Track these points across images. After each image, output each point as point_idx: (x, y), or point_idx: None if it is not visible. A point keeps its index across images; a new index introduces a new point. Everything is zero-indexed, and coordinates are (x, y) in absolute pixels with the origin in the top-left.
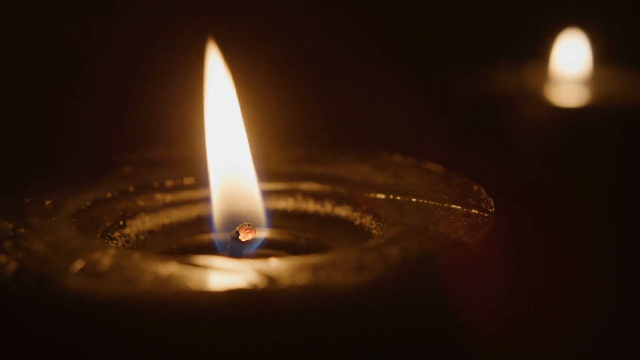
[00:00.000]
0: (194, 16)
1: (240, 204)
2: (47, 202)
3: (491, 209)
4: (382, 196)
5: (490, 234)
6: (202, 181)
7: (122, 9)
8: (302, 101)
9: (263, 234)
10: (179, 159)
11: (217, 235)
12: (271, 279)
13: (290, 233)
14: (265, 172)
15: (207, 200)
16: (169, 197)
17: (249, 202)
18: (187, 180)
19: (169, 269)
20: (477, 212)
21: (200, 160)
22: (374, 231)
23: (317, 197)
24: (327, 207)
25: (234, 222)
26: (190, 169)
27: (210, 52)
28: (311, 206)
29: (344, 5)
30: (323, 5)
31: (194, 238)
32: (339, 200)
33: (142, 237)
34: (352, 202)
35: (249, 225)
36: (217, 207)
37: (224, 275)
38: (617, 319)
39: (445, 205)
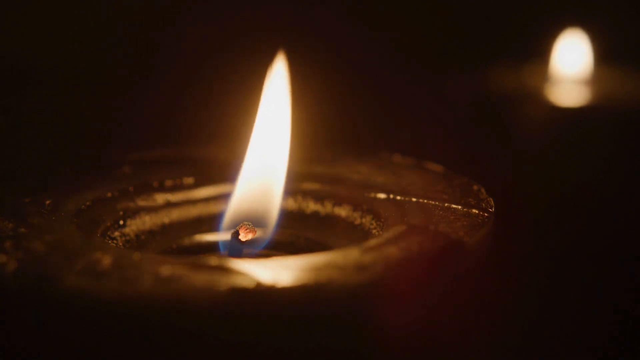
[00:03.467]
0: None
1: (260, 204)
2: (47, 202)
3: (491, 209)
4: (382, 196)
5: (490, 234)
6: (202, 181)
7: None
8: (302, 101)
9: (270, 235)
10: (179, 159)
11: (221, 235)
12: (271, 279)
13: (290, 233)
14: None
15: (209, 199)
16: (169, 197)
17: (269, 203)
18: (187, 180)
19: (169, 268)
20: (477, 212)
21: (209, 161)
22: (374, 231)
23: (317, 196)
24: (327, 207)
25: (248, 220)
26: (190, 169)
27: (277, 61)
28: (311, 206)
29: (343, 5)
30: (322, 6)
31: (194, 238)
32: (338, 200)
33: (142, 237)
34: (351, 202)
35: (249, 224)
36: (236, 205)
37: (224, 275)
38: (617, 319)
39: (445, 205)
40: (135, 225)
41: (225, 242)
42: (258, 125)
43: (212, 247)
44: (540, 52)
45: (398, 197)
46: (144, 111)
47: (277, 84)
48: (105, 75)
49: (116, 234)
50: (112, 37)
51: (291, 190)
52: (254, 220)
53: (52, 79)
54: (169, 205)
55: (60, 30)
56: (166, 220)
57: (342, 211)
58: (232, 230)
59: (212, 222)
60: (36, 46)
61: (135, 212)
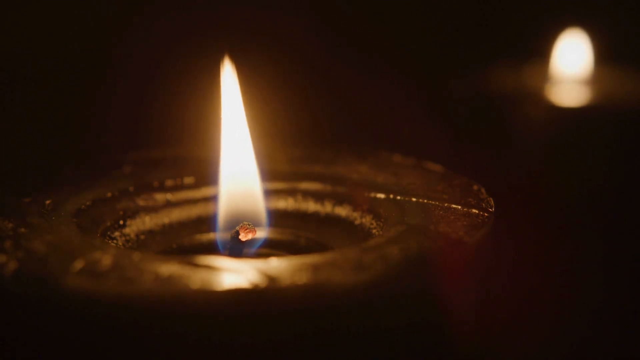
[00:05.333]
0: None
1: (245, 204)
2: (47, 202)
3: (491, 208)
4: (382, 196)
5: (490, 234)
6: (202, 181)
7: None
8: (302, 101)
9: (264, 234)
10: (179, 159)
11: (220, 235)
12: (271, 279)
13: (291, 233)
14: (266, 172)
15: (209, 199)
16: (169, 197)
17: (253, 202)
18: (187, 180)
19: (169, 268)
20: (477, 211)
21: (209, 161)
22: (374, 231)
23: (317, 196)
24: (327, 207)
25: (239, 221)
26: (190, 169)
27: (224, 63)
28: (311, 206)
29: (345, 5)
30: (324, 6)
31: (194, 238)
32: (339, 200)
33: (142, 237)
34: (352, 202)
35: (249, 225)
36: (224, 207)
37: (224, 274)
38: (615, 319)
39: (445, 205)
40: (135, 225)
41: (224, 242)
42: (224, 127)
43: (212, 247)
44: (541, 52)
45: (398, 197)
46: (143, 111)
47: (227, 84)
48: (101, 75)
49: (116, 234)
50: (99, 36)
51: (291, 189)
52: (245, 221)
53: (43, 79)
54: (169, 205)
55: (48, 30)
56: (166, 220)
57: (342, 211)
58: (232, 231)
59: (212, 222)
60: (22, 46)
61: (135, 212)
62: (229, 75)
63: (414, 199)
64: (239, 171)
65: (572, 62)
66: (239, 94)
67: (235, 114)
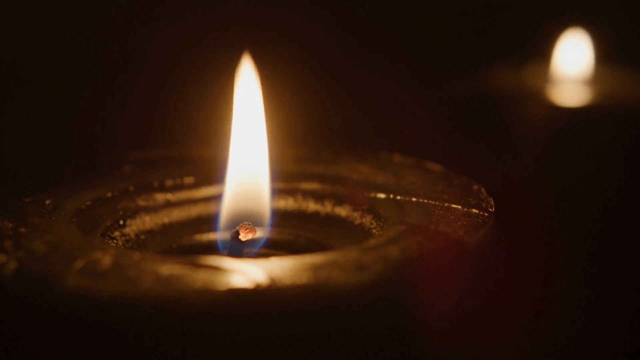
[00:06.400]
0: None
1: (250, 203)
2: (47, 202)
3: (491, 208)
4: (382, 196)
5: (490, 234)
6: (202, 181)
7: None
8: (302, 101)
9: (266, 234)
10: (179, 159)
11: (221, 234)
12: (271, 279)
13: (291, 233)
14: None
15: (209, 199)
16: (169, 197)
17: (259, 202)
18: (187, 180)
19: (169, 268)
20: (477, 211)
21: (209, 161)
22: (374, 231)
23: (317, 196)
24: (327, 207)
25: (242, 220)
26: (190, 169)
27: (244, 62)
28: (311, 206)
29: (344, 5)
30: (323, 6)
31: (194, 238)
32: (338, 200)
33: (142, 237)
34: (350, 202)
35: (249, 224)
36: (228, 204)
37: (224, 274)
38: (615, 319)
39: (445, 204)
40: (135, 225)
41: (224, 242)
42: (235, 125)
43: (212, 247)
44: (542, 52)
45: (398, 197)
46: (142, 111)
47: (247, 83)
48: (103, 75)
49: (116, 234)
50: (97, 37)
51: (290, 189)
52: (248, 220)
53: (43, 79)
54: (169, 205)
55: (49, 29)
56: (166, 220)
57: (342, 211)
58: (232, 230)
59: (212, 222)
60: (19, 46)
61: (135, 212)
62: (248, 72)
63: (414, 199)
64: (248, 169)
65: (573, 62)
66: (258, 91)
67: (253, 111)
